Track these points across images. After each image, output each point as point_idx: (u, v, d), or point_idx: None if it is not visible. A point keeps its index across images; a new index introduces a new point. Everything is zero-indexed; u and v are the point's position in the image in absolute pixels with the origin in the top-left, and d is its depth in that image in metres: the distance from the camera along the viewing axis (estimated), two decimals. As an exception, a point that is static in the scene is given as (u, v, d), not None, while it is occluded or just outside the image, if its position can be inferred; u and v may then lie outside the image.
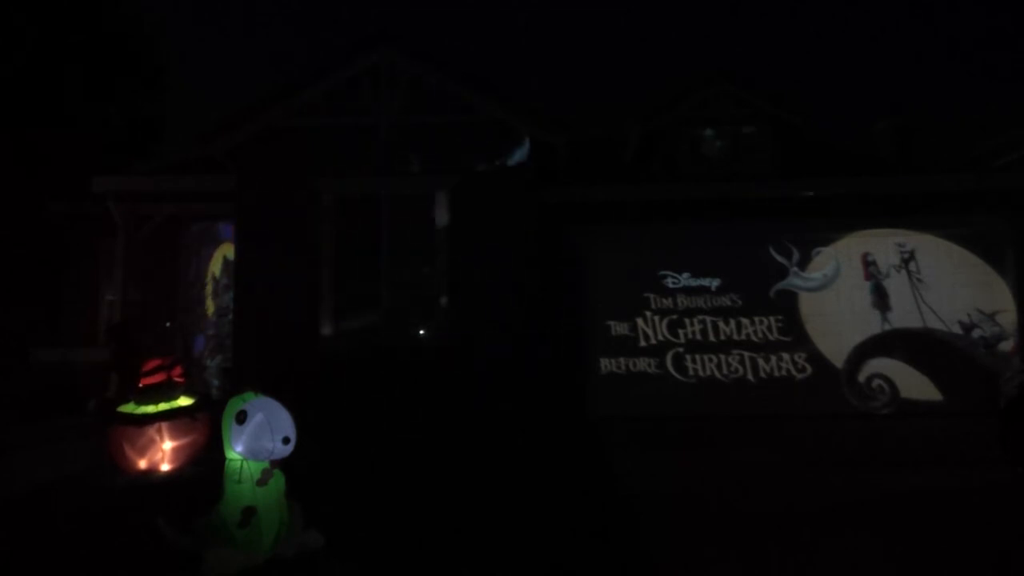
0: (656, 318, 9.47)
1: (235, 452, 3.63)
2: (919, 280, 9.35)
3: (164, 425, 5.97)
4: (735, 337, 9.38)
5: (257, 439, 3.55)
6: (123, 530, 4.48)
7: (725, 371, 9.35)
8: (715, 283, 9.47)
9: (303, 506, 3.87)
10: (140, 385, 6.00)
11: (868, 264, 9.42)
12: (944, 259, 9.37)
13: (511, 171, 9.28)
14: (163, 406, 6.02)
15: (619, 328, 9.47)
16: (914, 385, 9.14)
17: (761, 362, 9.32)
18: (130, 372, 6.46)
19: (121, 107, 17.25)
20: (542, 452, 7.18)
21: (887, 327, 9.30)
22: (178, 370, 6.28)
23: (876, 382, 9.19)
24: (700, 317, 9.45)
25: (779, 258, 9.46)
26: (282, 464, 3.71)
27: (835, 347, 9.27)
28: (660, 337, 9.44)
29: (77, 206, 10.97)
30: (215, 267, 10.90)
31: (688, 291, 9.48)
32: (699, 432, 8.09)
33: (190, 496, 4.85)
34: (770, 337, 9.34)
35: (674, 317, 9.46)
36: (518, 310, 9.02)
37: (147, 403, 6.00)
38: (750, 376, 9.31)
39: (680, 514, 4.83)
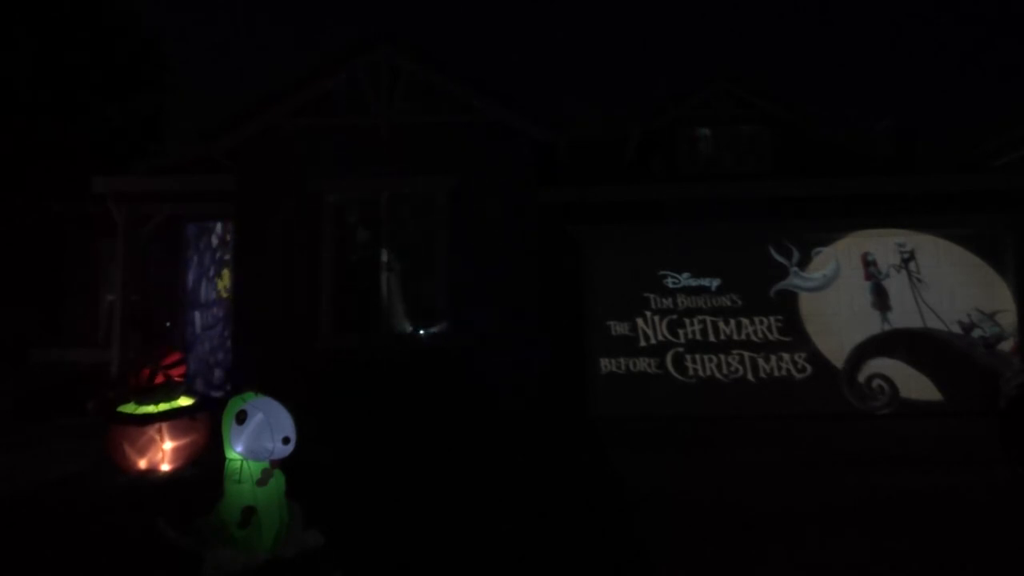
0: (656, 318, 9.47)
1: (235, 452, 3.63)
2: (919, 280, 9.35)
3: (164, 425, 5.97)
4: (735, 337, 9.38)
5: (257, 439, 3.55)
6: (123, 530, 4.48)
7: (725, 371, 9.35)
8: (715, 283, 9.47)
9: (303, 506, 3.87)
10: (156, 383, 5.99)
11: (868, 264, 9.42)
12: (944, 259, 9.37)
13: (511, 171, 9.28)
14: (163, 406, 6.02)
15: (619, 328, 9.47)
16: (914, 385, 9.14)
17: (761, 362, 9.32)
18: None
19: (121, 106, 17.23)
20: (543, 452, 7.18)
21: (887, 327, 9.29)
22: (179, 370, 6.28)
23: (876, 382, 9.19)
24: (700, 317, 9.45)
25: (779, 258, 9.45)
26: (282, 464, 3.70)
27: (835, 347, 9.27)
28: (660, 337, 9.44)
29: (77, 206, 10.95)
30: (223, 276, 10.90)
31: (688, 291, 9.48)
32: (699, 432, 8.09)
33: (190, 496, 4.86)
34: (770, 337, 9.34)
35: (674, 317, 9.46)
36: (518, 310, 9.02)
37: (147, 403, 6.00)
38: (750, 376, 9.31)
39: (680, 514, 4.83)
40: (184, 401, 6.19)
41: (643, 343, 9.44)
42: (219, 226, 11.01)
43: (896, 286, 9.36)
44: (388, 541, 4.31)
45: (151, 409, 5.97)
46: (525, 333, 8.99)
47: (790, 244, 9.46)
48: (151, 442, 5.94)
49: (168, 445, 5.99)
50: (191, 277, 11.12)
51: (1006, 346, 9.15)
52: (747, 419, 8.79)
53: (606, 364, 9.44)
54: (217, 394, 10.16)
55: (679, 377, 9.37)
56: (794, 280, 9.43)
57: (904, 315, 9.29)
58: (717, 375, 9.36)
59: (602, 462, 6.59)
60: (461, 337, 9.00)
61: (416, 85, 9.48)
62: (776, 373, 9.28)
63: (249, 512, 3.55)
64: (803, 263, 9.44)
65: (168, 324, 10.88)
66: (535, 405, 8.82)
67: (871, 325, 9.31)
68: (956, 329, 9.21)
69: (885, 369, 9.19)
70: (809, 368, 9.26)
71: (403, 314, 9.30)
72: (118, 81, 16.96)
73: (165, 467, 5.99)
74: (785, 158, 10.88)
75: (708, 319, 9.43)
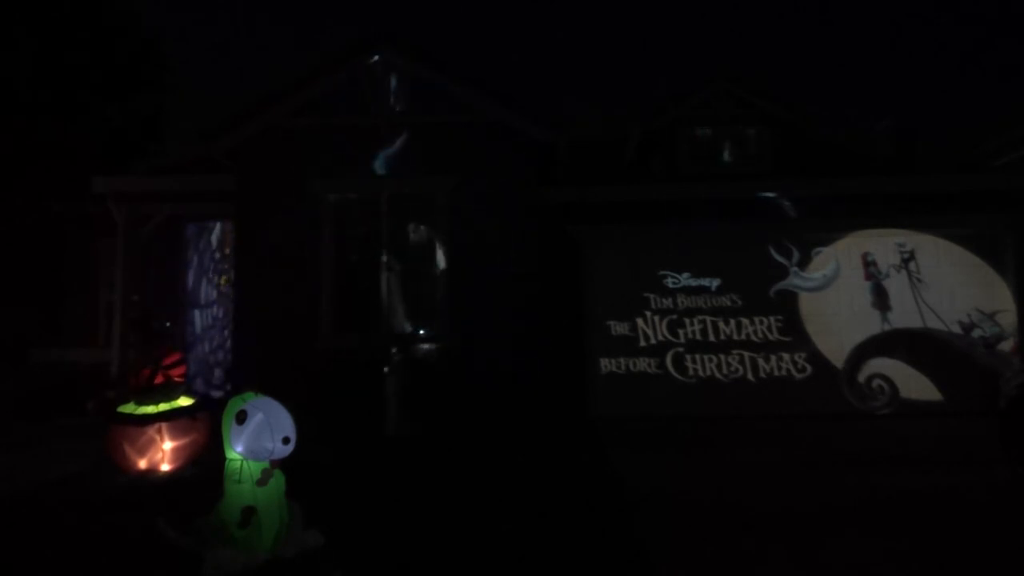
0: (656, 318, 9.47)
1: (235, 452, 3.62)
2: (919, 280, 9.35)
3: (164, 425, 5.97)
4: (735, 337, 9.38)
5: (257, 439, 3.55)
6: (123, 530, 4.48)
7: (725, 371, 9.35)
8: (715, 283, 9.47)
9: (303, 506, 3.87)
10: (156, 382, 6.00)
11: (868, 264, 9.42)
12: (944, 259, 9.37)
13: (511, 171, 9.27)
14: (163, 406, 6.02)
15: (619, 328, 9.47)
16: (914, 385, 9.14)
17: (761, 362, 9.32)
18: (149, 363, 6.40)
19: (121, 106, 17.22)
20: (543, 452, 7.18)
21: (887, 327, 9.29)
22: (179, 370, 6.28)
23: (876, 382, 9.19)
24: (700, 317, 9.44)
25: (779, 258, 9.45)
26: (282, 464, 3.70)
27: (835, 347, 9.27)
28: (660, 337, 9.44)
29: (77, 206, 10.96)
30: (223, 276, 10.90)
31: (688, 291, 9.48)
32: (699, 432, 8.09)
33: (190, 496, 4.85)
34: (770, 337, 9.34)
35: (674, 317, 9.46)
36: (518, 310, 9.02)
37: (147, 403, 6.00)
38: (750, 376, 9.31)
39: (680, 514, 4.84)
40: (184, 401, 6.19)
41: (643, 343, 9.44)
42: (219, 226, 11.01)
43: (896, 286, 9.36)
44: (388, 541, 4.31)
45: (151, 409, 5.97)
46: (525, 333, 8.98)
47: (790, 244, 9.46)
48: (151, 442, 5.93)
49: (168, 445, 5.98)
50: (191, 277, 11.12)
51: (1006, 346, 9.15)
52: (747, 419, 8.79)
53: (606, 364, 9.44)
54: (217, 394, 10.16)
55: (679, 377, 9.37)
56: (794, 280, 9.43)
57: (904, 315, 9.29)
58: (717, 375, 9.35)
59: (602, 462, 6.59)
60: (461, 337, 9.00)
61: (416, 85, 9.47)
62: (776, 373, 9.28)
63: (249, 512, 3.55)
64: (803, 263, 9.43)
65: (168, 324, 10.87)
66: (535, 405, 8.81)
67: (871, 325, 9.31)
68: (956, 329, 9.21)
69: (885, 369, 9.19)
70: (809, 368, 9.26)
71: (403, 314, 9.30)
72: (118, 81, 16.94)
73: (165, 467, 5.98)
74: (785, 158, 10.87)
75: (708, 319, 9.43)
